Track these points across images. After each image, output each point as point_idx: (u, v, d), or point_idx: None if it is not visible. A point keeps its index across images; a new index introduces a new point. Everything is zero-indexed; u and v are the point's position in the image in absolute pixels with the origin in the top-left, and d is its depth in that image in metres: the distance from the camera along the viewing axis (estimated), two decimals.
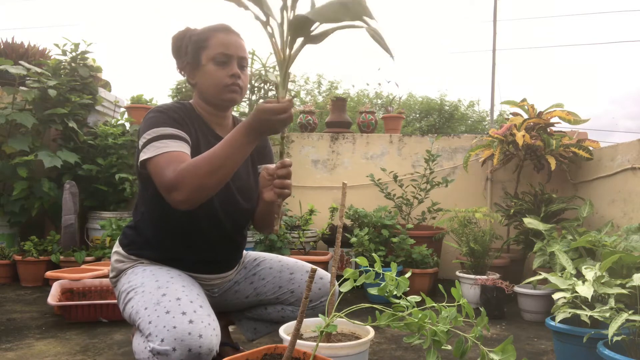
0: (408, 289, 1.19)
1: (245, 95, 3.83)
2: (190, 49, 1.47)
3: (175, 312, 1.23)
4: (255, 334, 1.75)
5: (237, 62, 1.45)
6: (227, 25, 1.49)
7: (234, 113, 1.70)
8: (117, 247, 1.55)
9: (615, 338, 1.43)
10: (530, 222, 2.79)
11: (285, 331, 1.34)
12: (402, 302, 1.16)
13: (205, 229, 1.48)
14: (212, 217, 1.47)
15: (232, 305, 1.68)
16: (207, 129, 1.50)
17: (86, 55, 3.78)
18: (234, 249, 1.60)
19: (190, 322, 1.21)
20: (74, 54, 3.73)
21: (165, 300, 1.27)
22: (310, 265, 1.67)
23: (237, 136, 1.24)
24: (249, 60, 3.73)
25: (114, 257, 1.54)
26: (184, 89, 4.26)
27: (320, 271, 1.60)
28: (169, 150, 1.31)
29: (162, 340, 1.18)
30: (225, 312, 1.74)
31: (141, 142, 1.36)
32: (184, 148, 1.35)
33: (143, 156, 1.32)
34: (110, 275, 1.56)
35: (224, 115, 1.54)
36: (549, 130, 3.28)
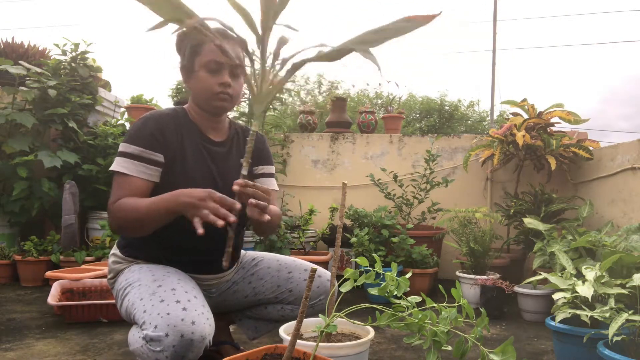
0: (408, 289, 1.19)
1: (246, 96, 3.84)
2: (187, 52, 1.48)
3: (169, 301, 1.25)
4: (256, 333, 1.75)
5: (229, 70, 1.45)
6: (224, 29, 1.48)
7: (234, 112, 1.71)
8: (114, 249, 1.57)
9: (616, 338, 1.43)
10: (530, 222, 2.78)
11: (285, 331, 1.34)
12: (403, 303, 1.16)
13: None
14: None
15: (232, 305, 1.68)
16: (199, 135, 1.51)
17: (86, 55, 3.78)
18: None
19: (184, 309, 1.22)
20: (74, 54, 3.73)
21: (161, 291, 1.29)
22: (308, 264, 1.67)
23: (161, 203, 1.29)
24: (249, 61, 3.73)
25: (111, 259, 1.56)
26: (184, 89, 4.26)
27: (319, 269, 1.60)
28: (125, 174, 1.39)
29: (156, 327, 1.19)
30: (225, 312, 1.74)
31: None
32: (142, 173, 1.40)
33: (112, 166, 1.43)
34: (108, 276, 1.57)
35: (217, 120, 1.54)
36: (549, 130, 3.28)
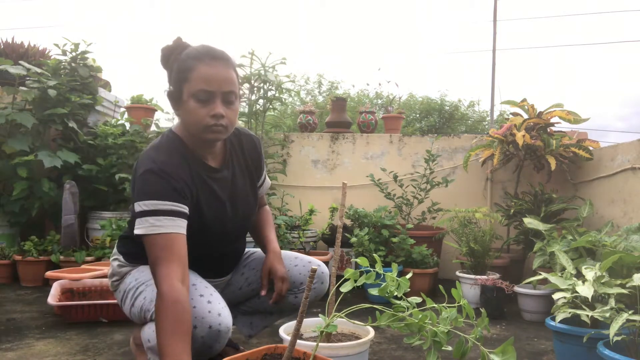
0: (409, 289, 1.19)
1: (245, 95, 3.84)
2: (174, 77, 1.35)
3: (192, 295, 1.27)
4: (252, 329, 1.75)
5: (221, 98, 1.32)
6: (213, 50, 1.35)
7: None
8: (116, 255, 1.57)
9: (616, 338, 1.43)
10: (530, 222, 2.78)
11: (285, 331, 1.34)
12: (403, 303, 1.16)
13: (200, 243, 1.47)
14: (207, 233, 1.47)
15: (228, 299, 1.69)
16: (202, 166, 1.43)
17: (86, 55, 3.78)
18: (235, 256, 1.62)
19: (209, 302, 1.25)
20: (74, 54, 3.73)
21: None
22: (299, 254, 1.70)
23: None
24: (249, 61, 3.73)
25: (115, 263, 1.55)
26: None
27: (310, 258, 1.64)
28: (162, 232, 1.24)
29: None
30: None
31: (137, 207, 1.28)
32: (178, 228, 1.27)
33: (138, 230, 1.27)
34: (112, 279, 1.56)
35: (211, 145, 1.44)
36: (549, 130, 3.28)
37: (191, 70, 1.31)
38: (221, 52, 1.36)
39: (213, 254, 1.52)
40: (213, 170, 1.45)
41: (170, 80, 1.38)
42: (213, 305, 1.25)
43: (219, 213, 1.46)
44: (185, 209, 1.31)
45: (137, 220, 1.27)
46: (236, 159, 1.54)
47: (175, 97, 1.36)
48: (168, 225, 1.25)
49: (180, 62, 1.34)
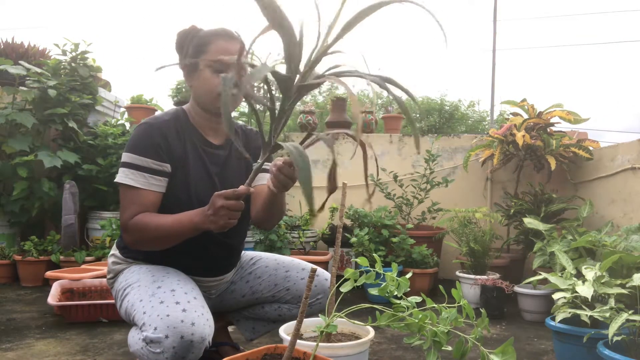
0: (409, 289, 1.19)
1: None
2: (191, 51, 1.45)
3: (169, 302, 1.25)
4: (254, 333, 1.75)
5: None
6: (230, 30, 1.47)
7: (234, 112, 1.69)
8: (114, 250, 1.57)
9: (616, 338, 1.43)
10: (530, 222, 2.78)
11: (285, 331, 1.34)
12: (403, 303, 1.16)
13: (197, 235, 1.47)
14: (194, 206, 1.46)
15: (230, 305, 1.68)
16: (199, 138, 1.49)
17: (86, 55, 3.78)
18: (229, 254, 1.59)
19: (184, 310, 1.23)
20: (74, 54, 3.73)
21: (160, 292, 1.30)
22: (306, 263, 1.67)
23: (187, 220, 1.30)
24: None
25: (110, 259, 1.56)
26: (184, 89, 4.26)
27: (317, 269, 1.60)
28: (134, 187, 1.37)
29: (155, 329, 1.20)
30: (223, 312, 1.74)
31: (122, 156, 1.42)
32: (153, 186, 1.39)
33: (117, 177, 1.40)
34: (108, 277, 1.57)
35: (218, 121, 1.52)
36: (549, 130, 3.28)
37: (209, 43, 1.43)
38: (236, 34, 1.49)
39: (202, 239, 1.44)
40: (209, 145, 1.51)
41: (184, 57, 1.49)
42: (187, 314, 1.22)
43: (207, 186, 1.46)
44: (164, 167, 1.41)
45: (119, 169, 1.40)
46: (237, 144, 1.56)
47: (191, 68, 1.46)
48: (141, 181, 1.37)
49: (199, 38, 1.45)
